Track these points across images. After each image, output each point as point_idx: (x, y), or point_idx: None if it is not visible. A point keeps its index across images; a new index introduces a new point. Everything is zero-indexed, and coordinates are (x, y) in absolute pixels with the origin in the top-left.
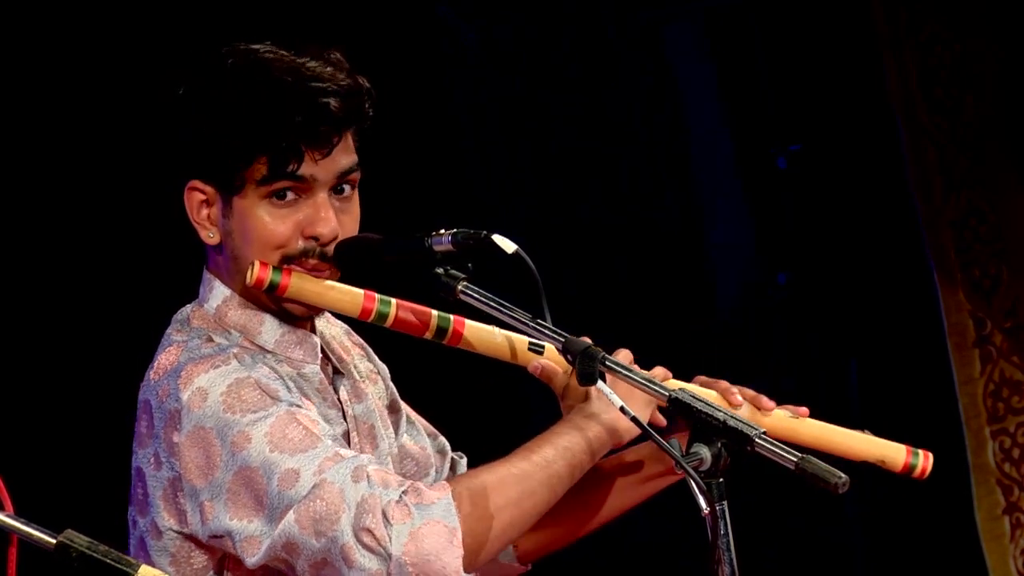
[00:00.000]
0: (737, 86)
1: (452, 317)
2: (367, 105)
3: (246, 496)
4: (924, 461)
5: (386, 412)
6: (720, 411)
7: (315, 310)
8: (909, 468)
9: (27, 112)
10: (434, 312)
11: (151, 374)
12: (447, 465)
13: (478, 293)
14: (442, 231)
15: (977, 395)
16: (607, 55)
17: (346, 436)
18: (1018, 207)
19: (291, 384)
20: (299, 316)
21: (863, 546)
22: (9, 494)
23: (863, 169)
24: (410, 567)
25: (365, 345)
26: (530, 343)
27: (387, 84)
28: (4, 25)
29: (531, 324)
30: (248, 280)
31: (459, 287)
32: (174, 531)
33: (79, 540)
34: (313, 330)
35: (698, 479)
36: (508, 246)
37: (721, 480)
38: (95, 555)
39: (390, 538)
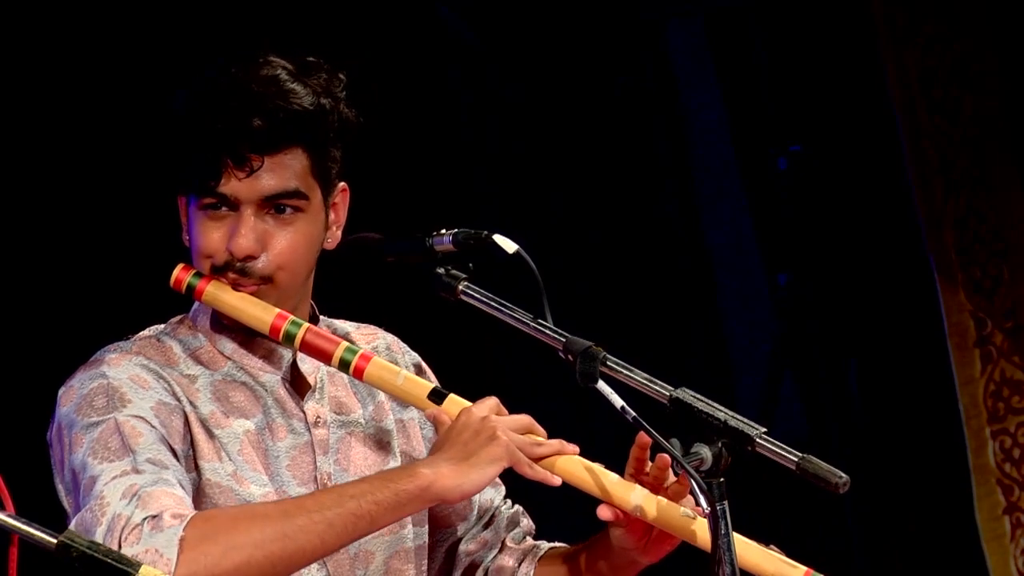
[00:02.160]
0: (737, 86)
1: (360, 351)
2: (313, 129)
3: (75, 495)
4: None
5: (419, 434)
6: (721, 411)
7: (234, 324)
8: None
9: (28, 116)
10: (343, 343)
11: None
12: (488, 514)
13: (479, 293)
14: (443, 231)
15: (978, 395)
16: (607, 55)
17: (309, 446)
18: (1018, 207)
19: (178, 391)
20: (240, 330)
21: (863, 546)
22: (10, 494)
23: (863, 169)
24: None
25: (423, 366)
26: (432, 390)
27: (387, 84)
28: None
29: (532, 324)
30: (171, 280)
31: (460, 287)
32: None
33: (80, 540)
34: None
35: (699, 479)
36: (509, 246)
37: (722, 480)
38: (96, 555)
39: None
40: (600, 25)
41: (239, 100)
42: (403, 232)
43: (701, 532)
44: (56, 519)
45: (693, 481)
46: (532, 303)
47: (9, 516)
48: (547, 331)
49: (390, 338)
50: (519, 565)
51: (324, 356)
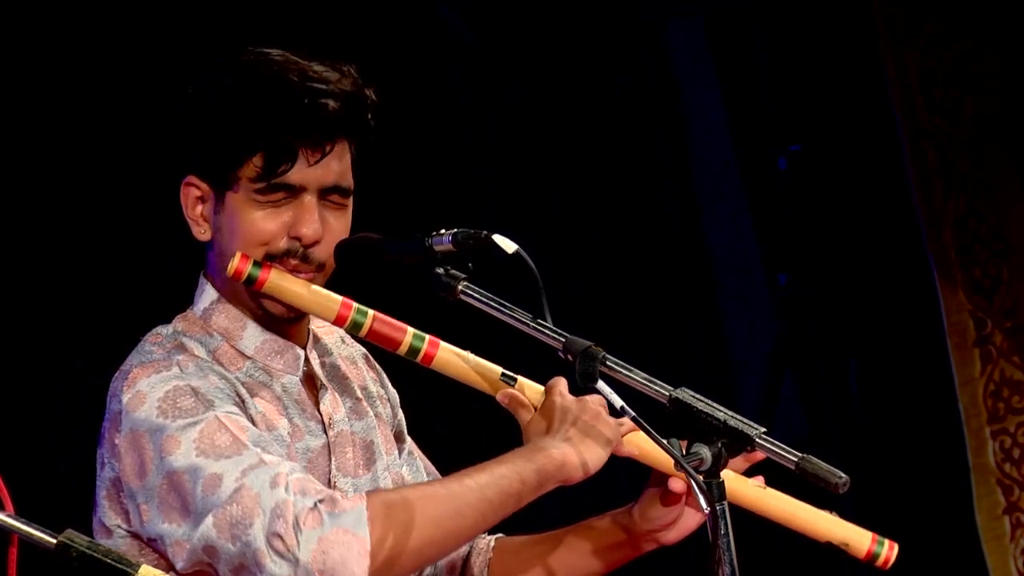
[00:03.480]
0: (737, 86)
1: (428, 338)
2: (368, 116)
3: (174, 500)
4: (888, 551)
5: (391, 434)
6: (720, 411)
7: (294, 311)
8: (872, 556)
9: (28, 109)
10: (410, 330)
11: (116, 375)
12: None
13: (478, 293)
14: (442, 231)
15: (977, 395)
16: (607, 55)
17: (326, 448)
18: (1018, 207)
19: (242, 391)
20: (280, 318)
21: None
22: (9, 494)
23: (863, 169)
24: (317, 573)
25: (381, 371)
26: (503, 373)
27: (387, 84)
28: (4, 22)
29: (531, 324)
30: (228, 270)
31: (459, 287)
32: (123, 529)
33: (79, 540)
34: (298, 341)
35: (699, 479)
36: (508, 246)
37: (721, 480)
38: (95, 555)
39: (299, 544)
40: (600, 25)
41: (311, 85)
42: (403, 232)
43: (773, 501)
44: (56, 519)
45: (693, 481)
46: (532, 303)
47: (9, 516)
48: (547, 331)
49: (339, 330)
50: (468, 554)
51: (392, 344)
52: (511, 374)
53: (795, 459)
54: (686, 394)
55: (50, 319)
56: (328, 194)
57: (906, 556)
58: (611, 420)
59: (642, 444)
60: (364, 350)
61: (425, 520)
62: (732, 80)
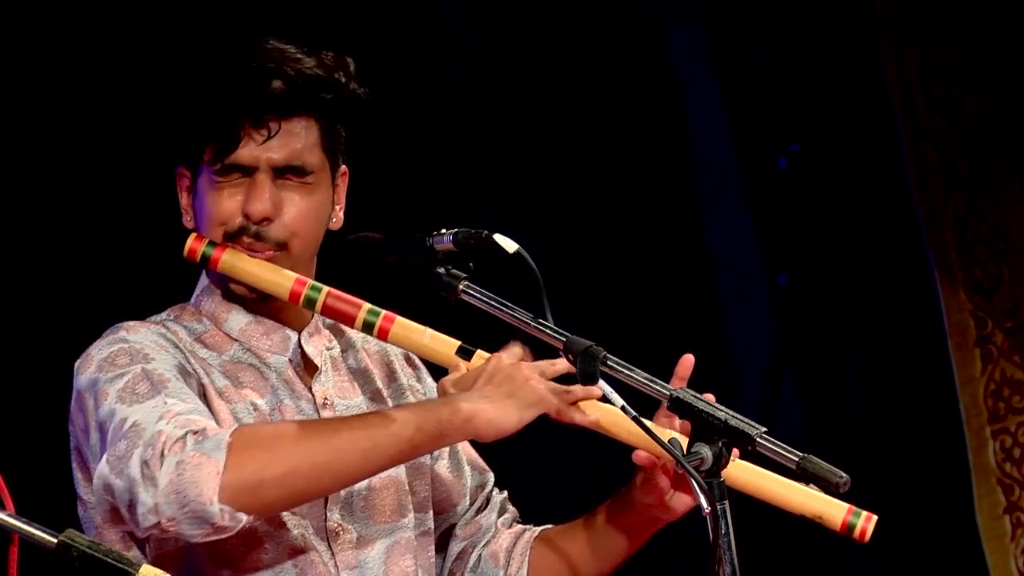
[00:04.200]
0: (737, 86)
1: (383, 313)
2: (327, 95)
3: (102, 446)
4: (864, 522)
5: None
6: (721, 410)
7: (256, 291)
8: (848, 527)
9: (26, 110)
10: (365, 304)
11: None
12: (482, 498)
13: (479, 292)
14: (443, 230)
15: (978, 395)
16: (607, 55)
17: None
18: (1018, 207)
19: (192, 363)
20: (245, 298)
21: (863, 546)
22: (10, 493)
23: (863, 169)
24: (172, 495)
25: (422, 368)
26: (460, 347)
27: (387, 85)
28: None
29: (532, 323)
30: (184, 251)
31: (460, 286)
32: (94, 500)
33: (80, 539)
34: (292, 324)
35: (699, 478)
36: (509, 245)
37: (722, 480)
38: (96, 554)
39: (161, 468)
40: (600, 25)
41: (256, 64)
42: (403, 232)
43: (742, 474)
44: (56, 519)
45: (693, 481)
46: (532, 303)
47: (9, 516)
48: (547, 330)
49: None
50: (513, 547)
51: (347, 319)
52: (469, 347)
53: (795, 459)
54: (687, 394)
55: (50, 319)
56: (283, 173)
57: (907, 556)
58: (549, 385)
59: (602, 415)
60: (407, 352)
61: (293, 450)
62: (732, 80)
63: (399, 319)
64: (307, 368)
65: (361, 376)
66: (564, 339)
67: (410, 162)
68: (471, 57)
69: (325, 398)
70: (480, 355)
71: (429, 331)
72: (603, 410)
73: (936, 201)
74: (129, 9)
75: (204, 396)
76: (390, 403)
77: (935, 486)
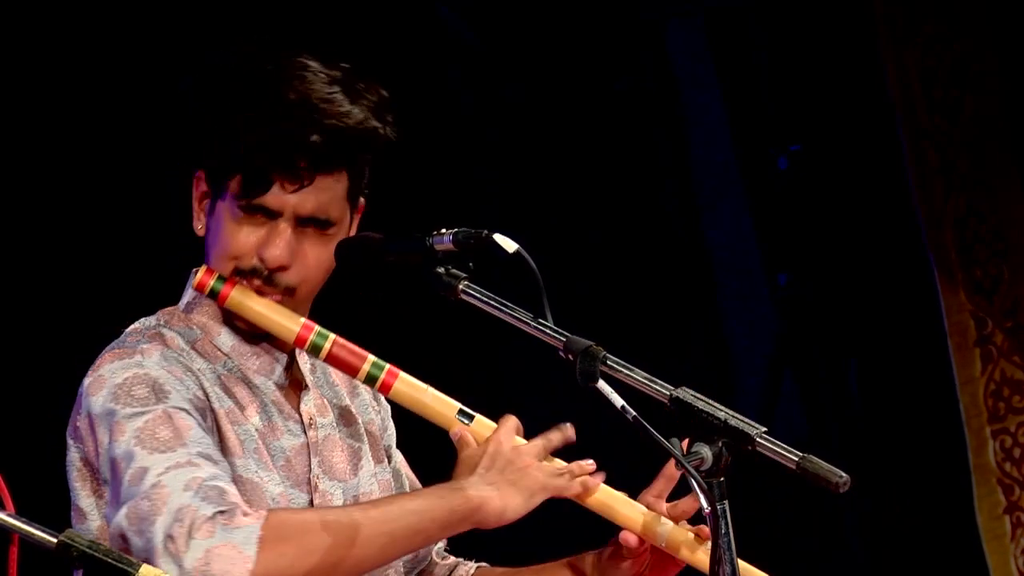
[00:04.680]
0: (737, 86)
1: (387, 367)
2: (365, 154)
3: (114, 485)
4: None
5: (381, 444)
6: (721, 410)
7: (255, 329)
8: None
9: (27, 109)
10: (370, 357)
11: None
12: None
13: (479, 292)
14: (443, 230)
15: (978, 395)
16: (607, 55)
17: (305, 449)
18: (1018, 207)
19: (206, 384)
20: (244, 331)
21: (863, 546)
22: (10, 493)
23: (863, 169)
24: None
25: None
26: (460, 410)
27: (388, 85)
28: (9, 19)
29: (532, 323)
30: (193, 282)
31: (460, 286)
32: (97, 512)
33: (80, 539)
34: (281, 345)
35: (699, 478)
36: (509, 245)
37: (722, 479)
38: (96, 554)
39: (187, 550)
40: (600, 25)
41: (299, 112)
42: (403, 232)
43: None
44: (56, 519)
45: (693, 480)
46: (532, 303)
47: (9, 516)
48: (547, 330)
49: None
50: None
51: (351, 370)
52: (469, 411)
53: (795, 459)
54: (687, 393)
55: (50, 319)
56: (306, 223)
57: (907, 556)
58: (547, 468)
59: (604, 500)
60: None
61: (319, 547)
62: (732, 80)
63: (402, 375)
64: (291, 386)
65: (331, 391)
66: (564, 339)
67: (410, 162)
68: (471, 57)
69: (310, 418)
70: (480, 420)
71: (431, 390)
72: (605, 495)
73: (936, 201)
74: (133, 6)
75: (216, 423)
76: (359, 419)
77: (935, 486)
